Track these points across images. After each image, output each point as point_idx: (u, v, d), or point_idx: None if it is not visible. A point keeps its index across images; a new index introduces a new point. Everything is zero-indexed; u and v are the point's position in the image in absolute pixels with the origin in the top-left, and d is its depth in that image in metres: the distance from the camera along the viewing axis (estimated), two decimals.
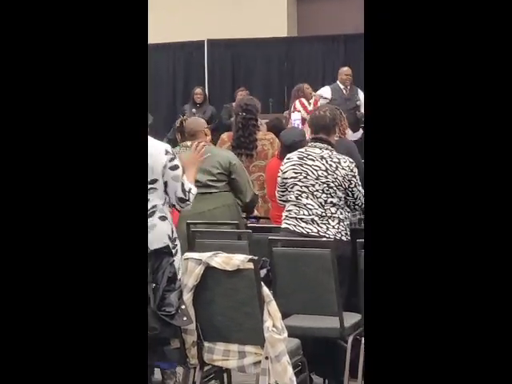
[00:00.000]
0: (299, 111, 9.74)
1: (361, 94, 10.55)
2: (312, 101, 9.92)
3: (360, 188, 5.12)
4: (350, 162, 5.07)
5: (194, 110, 11.33)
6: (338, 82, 10.82)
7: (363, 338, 4.65)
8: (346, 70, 10.93)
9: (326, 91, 10.64)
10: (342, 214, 5.05)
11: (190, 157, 4.81)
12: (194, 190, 4.54)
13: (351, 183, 5.04)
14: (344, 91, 10.61)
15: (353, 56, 12.85)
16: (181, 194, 4.43)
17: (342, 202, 5.06)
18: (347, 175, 5.03)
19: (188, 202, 4.47)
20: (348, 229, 5.09)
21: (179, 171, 4.41)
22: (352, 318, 4.77)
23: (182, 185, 4.42)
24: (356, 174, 5.07)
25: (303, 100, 9.88)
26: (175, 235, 4.48)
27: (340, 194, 5.03)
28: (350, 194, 5.07)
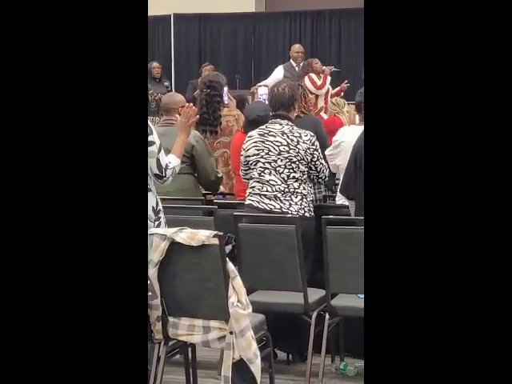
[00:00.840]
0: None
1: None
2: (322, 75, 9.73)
3: (322, 161, 5.16)
4: (311, 135, 5.10)
5: (150, 85, 11.19)
6: (291, 60, 10.69)
7: (327, 314, 4.70)
8: (297, 47, 10.79)
9: (279, 70, 10.51)
10: (304, 189, 5.07)
11: (179, 123, 4.77)
12: (175, 165, 4.46)
13: (313, 157, 5.07)
14: (296, 69, 10.46)
15: (320, 32, 12.87)
16: (156, 171, 4.38)
17: (305, 177, 5.09)
18: (309, 149, 5.05)
19: (165, 179, 4.39)
20: (311, 205, 5.12)
21: (154, 147, 4.34)
22: (316, 294, 4.80)
23: (158, 161, 4.36)
24: (318, 147, 5.10)
25: (312, 75, 9.69)
26: (160, 207, 4.45)
27: (303, 168, 5.06)
28: (313, 167, 5.10)
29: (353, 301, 4.73)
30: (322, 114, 9.12)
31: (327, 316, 4.70)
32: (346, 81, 9.85)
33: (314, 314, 4.69)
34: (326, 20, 12.80)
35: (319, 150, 5.13)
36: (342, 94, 9.78)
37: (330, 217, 4.77)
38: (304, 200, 5.05)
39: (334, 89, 9.82)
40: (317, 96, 9.59)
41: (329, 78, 9.76)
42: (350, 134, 5.65)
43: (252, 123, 5.67)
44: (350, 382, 4.73)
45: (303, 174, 5.07)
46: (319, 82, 9.64)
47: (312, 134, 5.13)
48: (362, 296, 4.76)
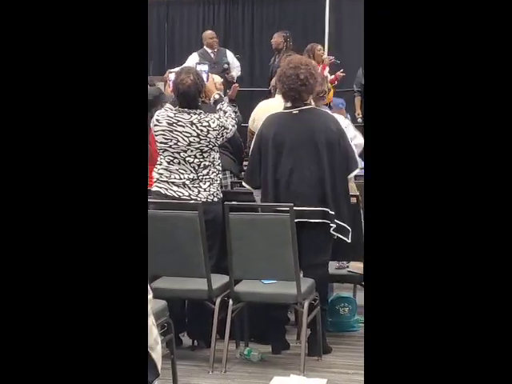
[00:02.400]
0: None
1: (229, 55, 10.39)
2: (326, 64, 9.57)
3: (237, 139, 5.28)
4: (218, 119, 5.09)
5: None
6: (204, 46, 10.52)
7: (231, 300, 4.72)
8: (209, 33, 10.58)
9: (193, 57, 10.36)
10: (213, 173, 5.07)
11: None
12: None
13: (224, 138, 5.15)
14: (212, 55, 10.31)
15: (233, 19, 12.85)
16: None
17: (216, 162, 5.11)
18: (219, 134, 5.07)
19: None
20: (219, 189, 5.13)
21: None
22: (220, 280, 4.82)
23: None
24: (228, 127, 5.12)
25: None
26: None
27: (214, 154, 5.07)
28: (229, 146, 5.26)
29: (257, 286, 4.77)
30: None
31: (231, 302, 4.72)
32: (342, 70, 9.73)
33: (218, 300, 4.70)
34: (239, 6, 12.79)
35: (230, 129, 5.15)
36: (336, 82, 9.63)
37: (233, 203, 4.79)
38: (212, 185, 5.05)
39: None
40: None
41: (327, 69, 9.56)
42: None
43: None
44: (253, 367, 4.76)
45: (214, 159, 5.08)
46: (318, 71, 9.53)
47: (219, 116, 5.12)
48: (266, 281, 4.80)
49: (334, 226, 4.79)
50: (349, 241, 4.85)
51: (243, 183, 5.17)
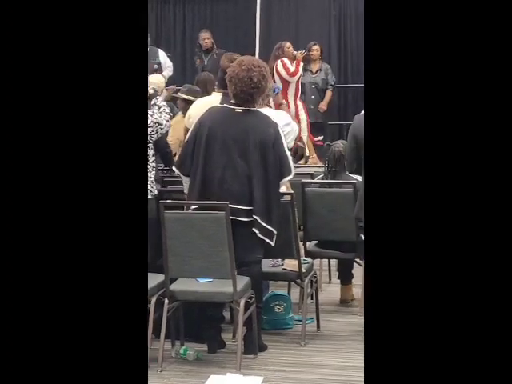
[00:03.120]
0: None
1: (161, 55, 10.31)
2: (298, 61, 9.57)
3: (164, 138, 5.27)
4: (151, 115, 5.11)
5: None
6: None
7: (166, 299, 4.70)
8: None
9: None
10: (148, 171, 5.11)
11: None
12: None
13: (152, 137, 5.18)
14: None
15: (164, 19, 12.78)
16: None
17: (149, 158, 5.11)
18: (153, 130, 5.07)
19: None
20: (154, 187, 5.12)
21: None
22: (156, 279, 4.79)
23: None
24: (161, 122, 5.12)
25: (285, 60, 9.49)
26: None
27: (148, 150, 5.08)
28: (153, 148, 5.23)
29: (192, 285, 4.76)
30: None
31: (166, 301, 4.70)
32: (302, 50, 9.81)
33: (153, 299, 4.68)
34: (171, 6, 12.73)
35: (164, 124, 5.24)
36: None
37: (168, 201, 4.76)
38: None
39: None
40: (288, 83, 9.44)
41: (301, 65, 9.58)
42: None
43: None
44: (189, 366, 4.74)
45: (148, 156, 5.12)
46: (292, 69, 9.46)
47: (152, 113, 5.16)
48: (202, 280, 4.79)
49: (258, 230, 4.81)
50: (273, 244, 4.86)
51: (173, 168, 5.16)
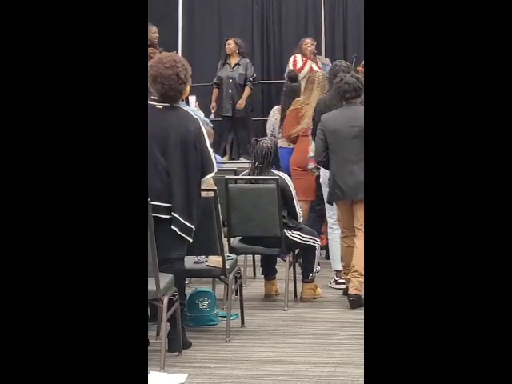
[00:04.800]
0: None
1: None
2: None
3: None
4: None
5: None
6: None
7: None
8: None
9: None
10: None
11: None
12: None
13: None
14: None
15: None
16: None
17: None
18: None
19: None
20: None
21: None
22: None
23: None
24: None
25: (298, 56, 9.51)
26: None
27: None
28: None
29: None
30: None
31: None
32: None
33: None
34: None
35: None
36: None
37: None
38: None
39: None
40: None
41: (309, 62, 9.47)
42: None
43: None
44: None
45: None
46: (299, 65, 9.41)
47: None
48: None
49: (178, 227, 4.79)
50: (191, 241, 4.85)
51: None
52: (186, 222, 4.78)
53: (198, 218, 4.86)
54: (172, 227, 4.77)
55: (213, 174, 4.94)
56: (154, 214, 4.63)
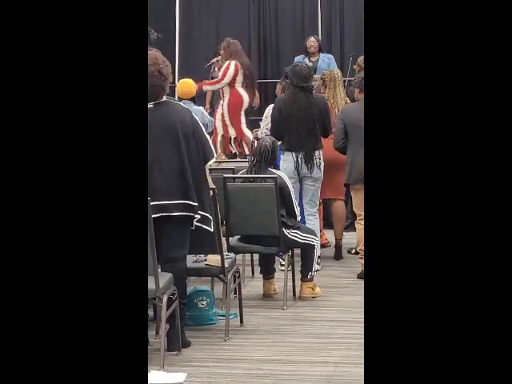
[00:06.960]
0: None
1: None
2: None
3: None
4: None
5: None
6: None
7: None
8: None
9: None
10: None
11: None
12: None
13: None
14: None
15: None
16: None
17: None
18: None
19: None
20: None
21: None
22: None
23: None
24: None
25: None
26: None
27: None
28: None
29: None
30: None
31: None
32: None
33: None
34: None
35: None
36: None
37: None
38: None
39: None
40: None
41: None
42: None
43: None
44: None
45: None
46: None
47: None
48: None
49: (199, 216, 4.82)
50: (212, 230, 4.89)
51: None
52: (203, 213, 4.86)
53: (210, 205, 4.93)
54: (195, 223, 4.84)
55: (214, 160, 5.01)
56: (164, 214, 4.67)
